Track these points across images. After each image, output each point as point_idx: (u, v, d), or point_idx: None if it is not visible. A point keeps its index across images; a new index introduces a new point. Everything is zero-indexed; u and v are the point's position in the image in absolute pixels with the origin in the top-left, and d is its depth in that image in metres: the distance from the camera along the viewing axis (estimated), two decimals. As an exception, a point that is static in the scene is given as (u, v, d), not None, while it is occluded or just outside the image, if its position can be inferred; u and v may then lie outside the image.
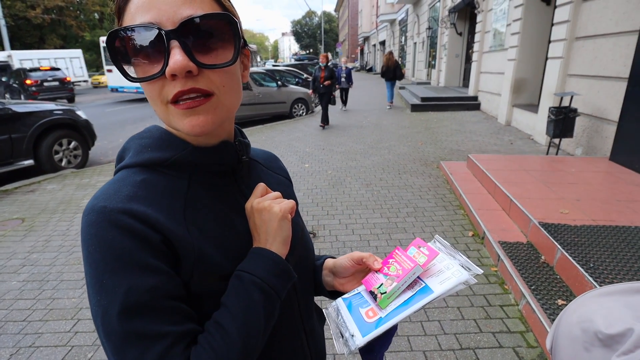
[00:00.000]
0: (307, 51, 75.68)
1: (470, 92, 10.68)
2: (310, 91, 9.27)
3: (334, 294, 0.75)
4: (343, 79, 10.68)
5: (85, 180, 5.10)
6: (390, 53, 11.22)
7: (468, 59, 12.69)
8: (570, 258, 2.31)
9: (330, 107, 8.91)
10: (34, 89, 15.23)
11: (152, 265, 0.47)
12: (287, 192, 0.75)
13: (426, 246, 0.64)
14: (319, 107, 9.50)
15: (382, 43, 34.83)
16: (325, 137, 7.58)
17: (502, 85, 8.11)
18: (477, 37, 10.24)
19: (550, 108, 4.93)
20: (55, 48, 29.77)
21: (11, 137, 4.96)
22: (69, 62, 25.25)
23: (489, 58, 9.50)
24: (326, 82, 8.43)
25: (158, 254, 0.48)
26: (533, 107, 7.17)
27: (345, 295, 0.65)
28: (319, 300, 0.80)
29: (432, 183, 4.59)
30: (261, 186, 0.62)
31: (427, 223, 3.51)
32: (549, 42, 6.10)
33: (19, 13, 26.32)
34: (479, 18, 10.06)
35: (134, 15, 0.47)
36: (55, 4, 28.16)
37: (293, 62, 25.40)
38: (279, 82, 10.40)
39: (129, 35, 0.47)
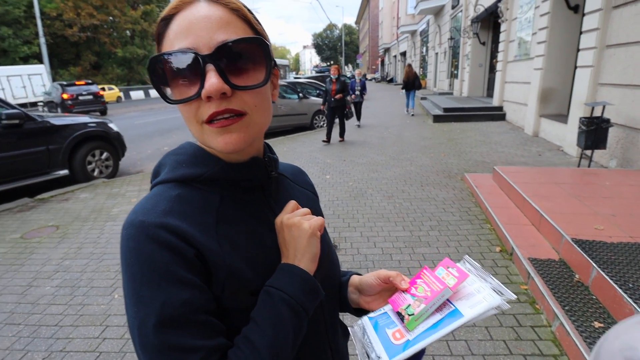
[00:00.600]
0: (328, 63, 76.50)
1: (495, 102, 10.47)
2: (322, 106, 8.63)
3: (359, 312, 0.74)
4: (357, 92, 10.03)
5: (115, 190, 5.29)
6: (409, 66, 11.70)
7: (492, 69, 12.47)
8: (607, 277, 2.19)
9: (346, 121, 8.56)
10: (70, 102, 16.04)
11: (186, 279, 0.48)
12: (314, 207, 0.75)
13: (455, 267, 0.61)
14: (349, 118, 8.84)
15: (403, 54, 34.79)
16: (346, 149, 7.59)
17: (529, 95, 7.91)
18: (501, 47, 10.07)
19: (580, 118, 4.77)
20: (90, 64, 31.38)
21: (48, 148, 5.23)
22: (27, 80, 21.69)
23: (514, 67, 9.31)
24: (337, 96, 7.91)
25: (192, 268, 0.49)
26: (562, 117, 6.94)
27: (372, 314, 0.64)
28: (342, 316, 0.80)
29: (456, 196, 4.50)
30: (292, 203, 0.63)
31: (452, 237, 3.43)
32: (578, 50, 5.93)
33: (57, 31, 27.98)
34: (502, 27, 9.91)
35: (173, 41, 0.50)
36: (90, 22, 29.79)
37: (314, 74, 25.71)
38: (300, 94, 10.53)
39: (168, 59, 0.50)
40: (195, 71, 0.49)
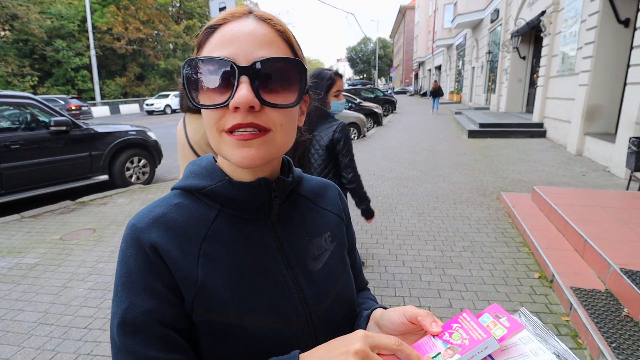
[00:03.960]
0: (361, 76, 76.84)
1: (535, 118, 10.04)
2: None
3: None
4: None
5: (150, 196, 5.49)
6: (436, 81, 15.48)
7: (532, 84, 12.02)
8: (662, 315, 1.98)
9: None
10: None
11: (154, 289, 0.50)
12: (334, 232, 0.68)
13: (506, 315, 0.49)
14: (372, 131, 8.55)
15: (438, 68, 34.34)
16: (376, 162, 7.49)
17: (573, 112, 7.51)
18: (543, 61, 9.69)
19: (631, 138, 4.45)
20: (135, 75, 33.28)
21: (91, 154, 5.52)
22: None
23: (556, 83, 8.91)
24: None
25: (164, 280, 0.51)
26: (609, 136, 6.52)
27: None
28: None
29: (491, 215, 4.29)
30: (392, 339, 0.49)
31: (486, 260, 3.25)
32: (628, 66, 5.58)
33: (106, 44, 29.95)
34: (545, 41, 9.55)
35: (214, 47, 0.51)
36: (137, 36, 31.70)
37: (347, 87, 25.88)
38: (333, 107, 10.57)
39: (205, 64, 0.50)
40: (229, 80, 0.49)
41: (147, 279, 0.50)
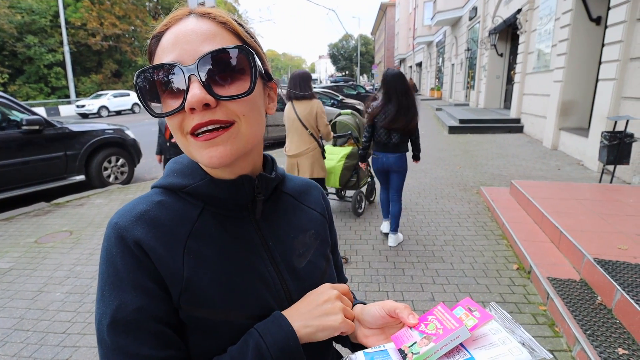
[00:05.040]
0: (343, 73, 76.93)
1: (513, 114, 10.29)
2: None
3: (357, 347, 0.64)
4: None
5: (129, 196, 5.35)
6: (411, 79, 15.81)
7: (509, 80, 12.31)
8: (632, 301, 2.07)
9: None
10: None
11: (144, 287, 0.50)
12: (318, 230, 0.69)
13: (477, 307, 0.52)
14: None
15: (419, 64, 34.73)
16: (359, 159, 7.52)
17: (548, 108, 7.74)
18: (519, 58, 9.93)
19: (603, 132, 4.61)
20: (111, 72, 32.29)
21: (66, 154, 5.33)
22: None
23: (532, 79, 9.15)
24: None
25: (152, 277, 0.51)
26: (583, 130, 6.75)
27: (368, 350, 0.55)
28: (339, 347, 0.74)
29: (471, 210, 4.38)
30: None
31: (467, 253, 3.32)
32: (600, 63, 5.78)
33: (81, 40, 28.92)
34: (521, 39, 9.78)
35: (161, 56, 0.51)
36: (113, 32, 30.74)
37: (329, 84, 25.86)
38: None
39: (154, 73, 0.50)
40: (180, 84, 0.48)
41: (135, 276, 0.50)
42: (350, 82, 26.69)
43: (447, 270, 3.04)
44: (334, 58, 78.24)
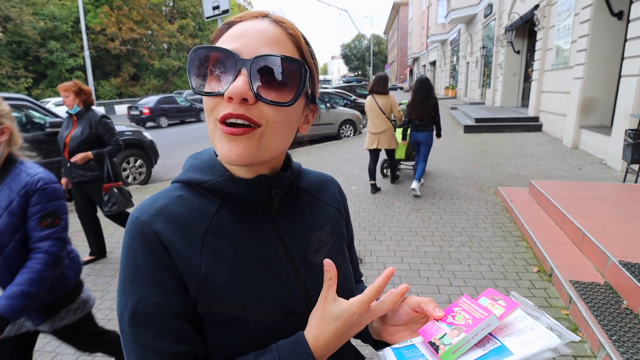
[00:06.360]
0: (356, 73, 76.70)
1: (531, 112, 10.07)
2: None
3: (379, 345, 0.63)
4: None
5: (147, 196, 5.38)
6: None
7: (527, 78, 12.05)
8: (661, 306, 1.99)
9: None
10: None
11: (163, 282, 0.51)
12: (334, 226, 0.69)
13: (502, 297, 0.53)
14: (367, 129, 8.45)
15: (433, 63, 34.33)
16: (373, 159, 7.48)
17: (568, 105, 7.53)
18: (537, 55, 9.71)
19: (627, 130, 4.47)
20: (129, 75, 33.07)
21: (86, 156, 5.46)
22: None
23: (551, 76, 8.93)
24: (75, 158, 3.36)
25: (171, 272, 0.52)
26: (605, 128, 6.55)
27: (395, 345, 0.54)
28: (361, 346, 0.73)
29: (488, 210, 4.30)
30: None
31: (484, 254, 3.26)
32: (622, 58, 5.60)
33: (100, 45, 29.73)
34: (539, 35, 9.56)
35: (224, 41, 0.53)
36: (131, 36, 31.48)
37: (341, 84, 25.83)
38: (328, 104, 10.57)
39: (210, 53, 0.52)
40: (230, 72, 0.50)
41: (155, 271, 0.51)
42: (363, 82, 26.63)
43: (465, 272, 2.99)
44: (347, 58, 78.09)
